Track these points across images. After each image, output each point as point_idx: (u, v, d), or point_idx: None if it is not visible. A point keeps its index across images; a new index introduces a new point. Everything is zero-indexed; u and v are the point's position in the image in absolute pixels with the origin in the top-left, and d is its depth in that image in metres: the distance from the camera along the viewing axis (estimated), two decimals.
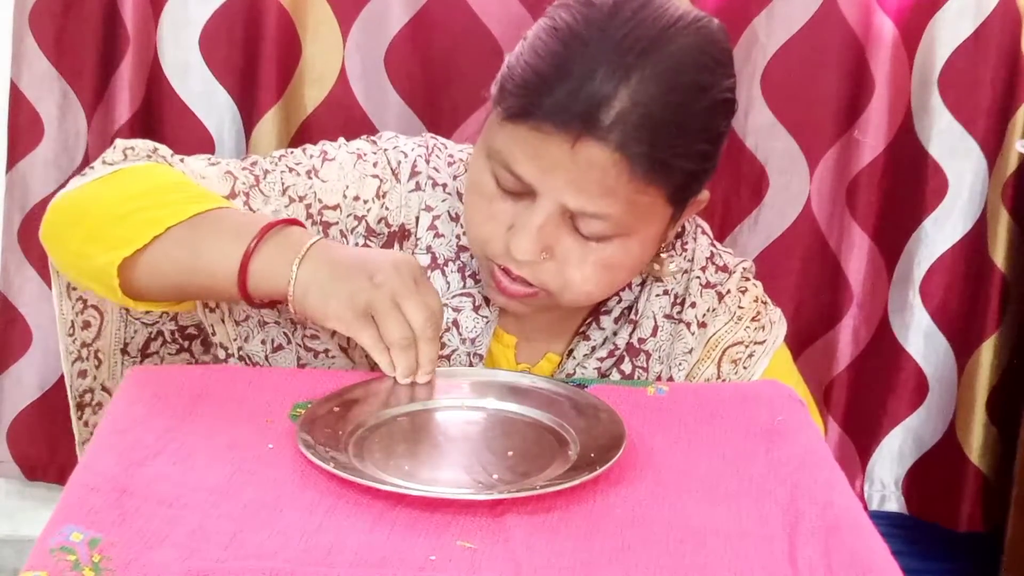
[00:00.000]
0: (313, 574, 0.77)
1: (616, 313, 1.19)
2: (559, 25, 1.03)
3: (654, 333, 1.18)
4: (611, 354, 1.17)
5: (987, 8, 1.86)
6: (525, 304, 1.11)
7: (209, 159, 1.18)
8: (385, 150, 1.19)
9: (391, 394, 1.02)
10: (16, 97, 1.85)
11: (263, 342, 1.14)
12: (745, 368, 1.20)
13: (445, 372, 1.06)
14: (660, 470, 0.94)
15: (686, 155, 1.03)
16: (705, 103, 1.03)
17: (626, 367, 1.17)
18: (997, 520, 1.98)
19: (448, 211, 1.17)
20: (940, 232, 1.96)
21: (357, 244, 1.15)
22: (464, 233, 1.16)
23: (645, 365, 1.17)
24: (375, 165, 1.17)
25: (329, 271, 1.00)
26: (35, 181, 1.88)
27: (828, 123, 1.92)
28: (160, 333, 1.23)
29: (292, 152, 1.19)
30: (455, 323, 1.14)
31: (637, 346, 1.17)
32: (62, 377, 1.90)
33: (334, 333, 1.13)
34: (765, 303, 1.24)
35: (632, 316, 1.18)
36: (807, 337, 2.01)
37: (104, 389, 1.24)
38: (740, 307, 1.21)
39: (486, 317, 1.16)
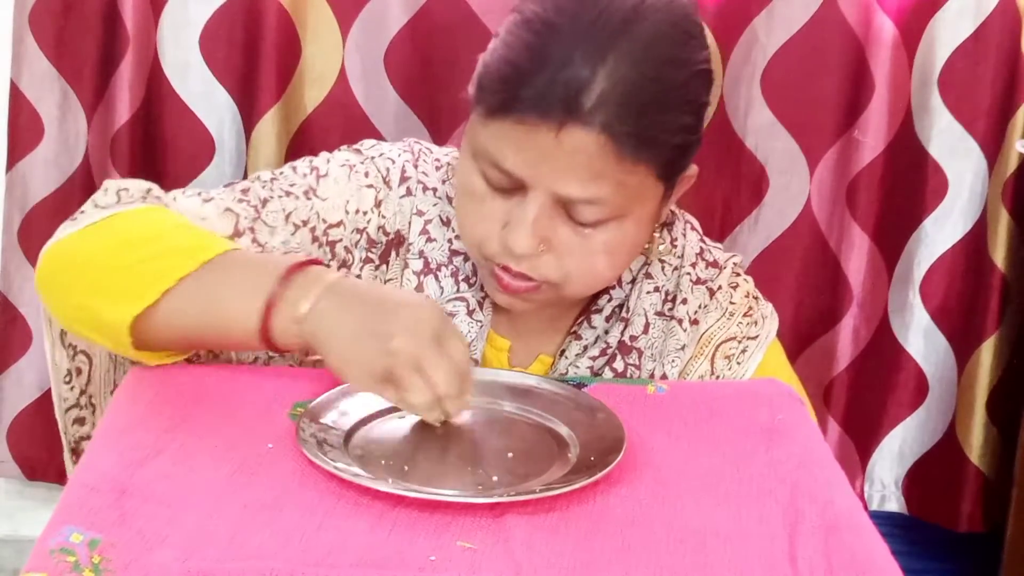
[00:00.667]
0: (313, 574, 0.77)
1: (607, 311, 1.19)
2: (529, 17, 1.03)
3: (646, 330, 1.18)
4: (603, 352, 1.17)
5: (987, 8, 1.86)
6: (529, 300, 1.11)
7: (201, 195, 1.13)
8: (372, 158, 1.18)
9: None
10: (16, 97, 1.85)
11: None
12: (739, 363, 1.20)
13: None
14: (660, 470, 0.94)
15: (671, 129, 1.04)
16: (683, 76, 1.04)
17: (618, 365, 1.17)
18: (997, 520, 1.98)
19: (439, 215, 1.17)
20: (940, 232, 1.96)
21: (360, 257, 1.14)
22: (456, 237, 1.15)
23: (637, 363, 1.17)
24: (367, 175, 1.16)
25: (346, 330, 0.95)
26: (35, 181, 1.88)
27: (828, 123, 1.92)
28: None
29: (282, 173, 1.16)
30: None
31: (629, 344, 1.17)
32: None
33: None
34: (756, 298, 1.24)
35: (623, 314, 1.18)
36: (807, 337, 2.01)
37: None
38: (732, 303, 1.22)
39: (480, 321, 1.16)
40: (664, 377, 1.18)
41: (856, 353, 2.02)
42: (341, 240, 1.14)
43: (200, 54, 1.85)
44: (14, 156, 1.88)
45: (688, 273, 1.20)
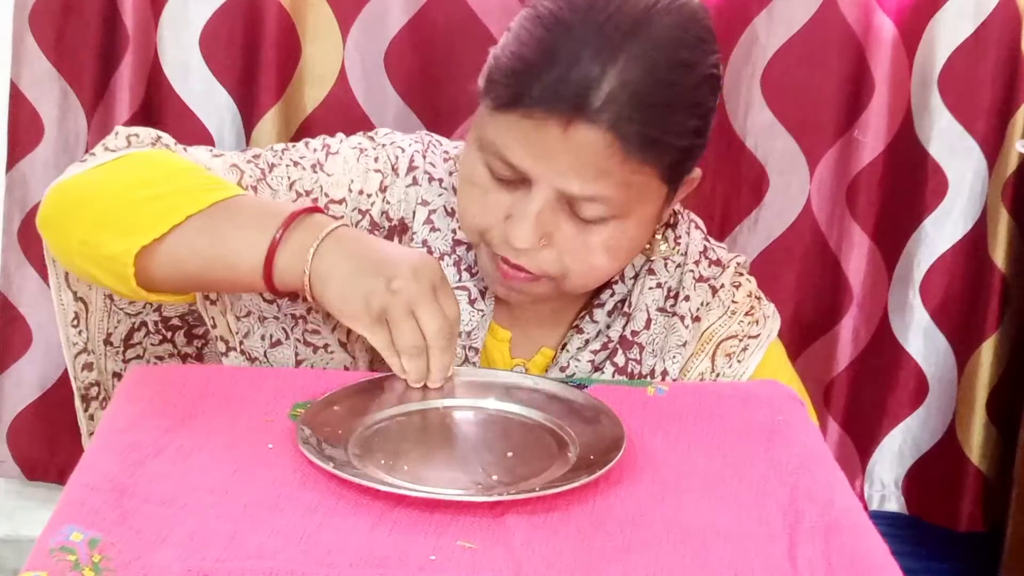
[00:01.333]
0: (313, 574, 0.77)
1: (609, 306, 1.19)
2: (542, 13, 1.04)
3: (647, 326, 1.18)
4: (604, 347, 1.18)
5: (987, 8, 1.86)
6: (527, 292, 1.11)
7: (211, 151, 1.17)
8: (383, 145, 1.20)
9: (392, 394, 1.02)
10: (16, 97, 1.85)
11: (262, 337, 1.14)
12: (739, 362, 1.21)
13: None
14: (660, 470, 0.94)
15: (677, 132, 1.04)
16: (692, 79, 1.04)
17: (619, 360, 1.17)
18: (997, 520, 1.98)
19: (444, 206, 1.18)
20: (940, 232, 1.96)
21: None
22: (460, 227, 1.16)
23: (638, 358, 1.18)
24: (376, 160, 1.18)
25: (348, 267, 0.99)
26: (35, 181, 1.88)
27: (828, 123, 1.92)
28: (144, 324, 1.22)
29: (294, 146, 1.19)
30: None
31: (630, 339, 1.18)
32: (62, 377, 1.92)
33: (334, 328, 1.14)
34: (759, 298, 1.25)
35: (625, 309, 1.19)
36: (807, 337, 2.01)
37: (116, 375, 1.22)
38: (734, 301, 1.22)
39: (482, 311, 1.16)
40: (665, 373, 1.18)
41: (856, 353, 2.02)
42: (342, 217, 1.14)
43: (200, 54, 1.85)
44: (14, 156, 1.87)
45: (691, 270, 1.20)
